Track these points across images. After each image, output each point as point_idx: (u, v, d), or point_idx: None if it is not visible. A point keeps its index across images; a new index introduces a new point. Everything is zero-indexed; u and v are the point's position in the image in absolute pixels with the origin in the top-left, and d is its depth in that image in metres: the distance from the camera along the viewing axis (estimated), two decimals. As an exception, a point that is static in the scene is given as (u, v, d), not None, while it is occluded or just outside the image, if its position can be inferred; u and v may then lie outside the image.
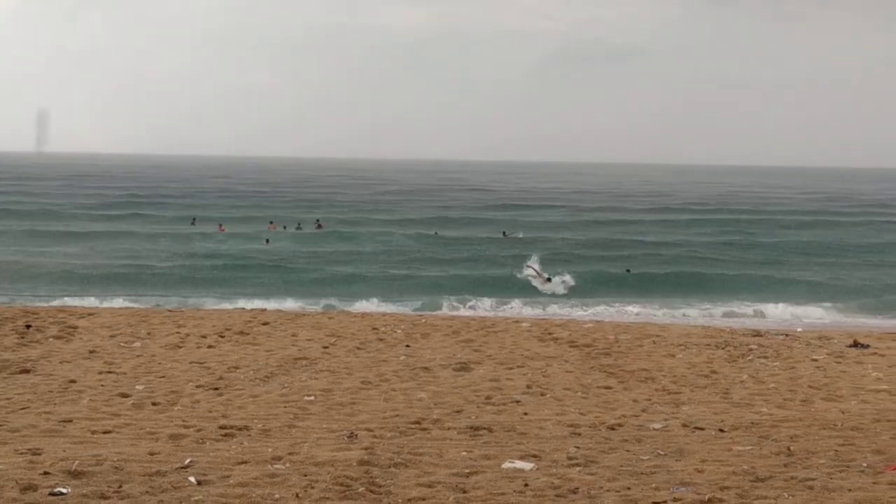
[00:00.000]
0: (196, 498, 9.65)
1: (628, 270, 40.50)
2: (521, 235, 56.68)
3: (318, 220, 64.76)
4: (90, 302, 30.56)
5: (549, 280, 36.51)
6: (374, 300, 33.07)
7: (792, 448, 12.11)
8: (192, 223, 63.80)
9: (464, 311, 30.20)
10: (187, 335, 20.55)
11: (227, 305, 30.17)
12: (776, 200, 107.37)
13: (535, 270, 37.17)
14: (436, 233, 58.04)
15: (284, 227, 61.08)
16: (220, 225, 60.52)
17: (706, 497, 9.91)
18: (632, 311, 32.15)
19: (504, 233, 57.53)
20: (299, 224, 62.72)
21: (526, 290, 35.49)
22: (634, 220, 74.05)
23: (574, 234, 59.52)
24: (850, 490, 10.21)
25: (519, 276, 37.01)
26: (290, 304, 31.39)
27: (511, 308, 31.98)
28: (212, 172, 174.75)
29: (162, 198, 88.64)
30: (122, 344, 19.37)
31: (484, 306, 31.80)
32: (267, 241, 53.19)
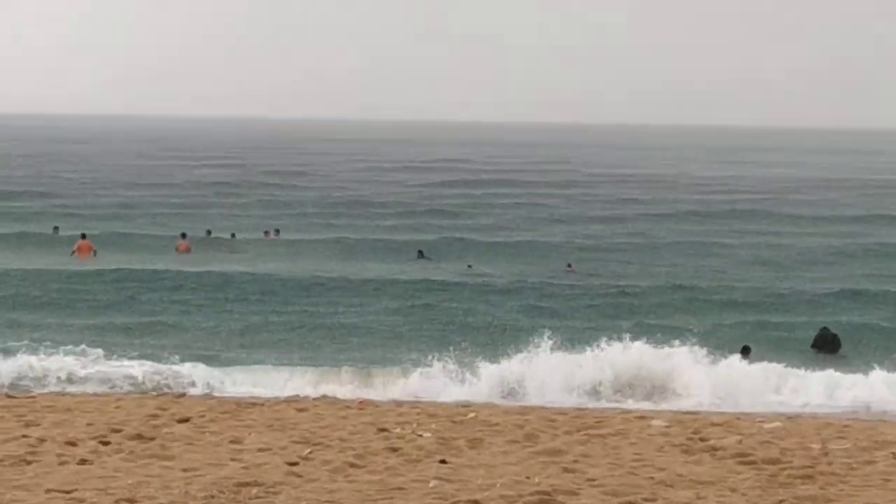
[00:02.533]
0: None
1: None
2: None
3: (273, 230, 63.42)
4: None
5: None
6: (370, 375, 31.29)
7: None
8: (55, 231, 62.25)
9: (539, 398, 28.99)
10: (42, 441, 19.77)
11: (111, 387, 28.71)
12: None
13: None
14: (469, 266, 55.78)
15: (209, 233, 60.92)
16: (83, 239, 55.26)
17: None
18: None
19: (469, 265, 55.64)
20: (233, 234, 61.82)
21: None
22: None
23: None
24: None
25: None
26: (226, 381, 29.90)
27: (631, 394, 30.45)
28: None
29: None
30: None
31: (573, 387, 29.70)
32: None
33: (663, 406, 28.75)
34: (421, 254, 58.74)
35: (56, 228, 63.75)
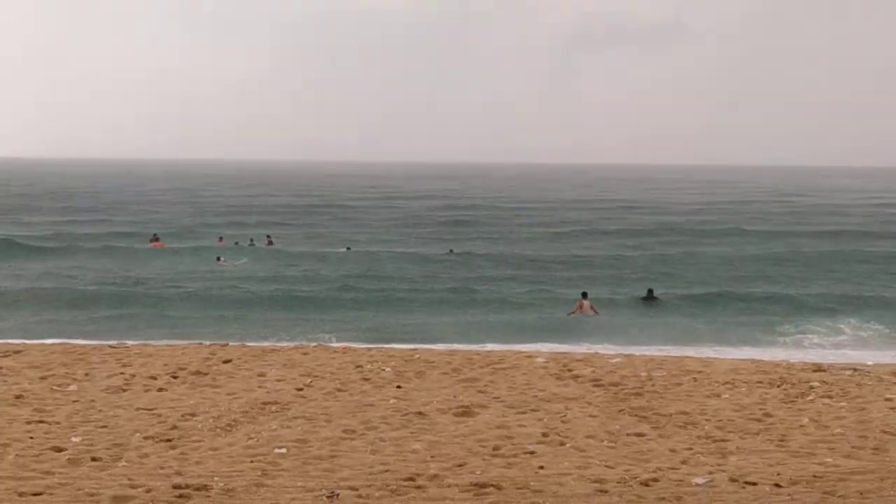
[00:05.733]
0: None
1: (650, 292, 39.96)
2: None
3: (267, 236, 63.16)
4: (15, 337, 29.53)
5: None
6: (356, 334, 31.83)
7: (862, 506, 11.18)
8: (154, 240, 60.63)
9: (465, 346, 29.03)
10: (133, 376, 20.40)
11: (180, 340, 28.97)
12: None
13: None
14: (451, 251, 57.65)
15: (237, 244, 59.41)
16: (155, 237, 59.96)
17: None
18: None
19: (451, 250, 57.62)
20: (252, 239, 61.83)
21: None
22: (634, 229, 74.03)
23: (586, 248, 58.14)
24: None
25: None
26: (256, 338, 30.14)
27: (522, 341, 30.30)
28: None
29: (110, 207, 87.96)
30: (54, 387, 19.12)
31: (492, 341, 30.90)
32: (219, 258, 51.31)
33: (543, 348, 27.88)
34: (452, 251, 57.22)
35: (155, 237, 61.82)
